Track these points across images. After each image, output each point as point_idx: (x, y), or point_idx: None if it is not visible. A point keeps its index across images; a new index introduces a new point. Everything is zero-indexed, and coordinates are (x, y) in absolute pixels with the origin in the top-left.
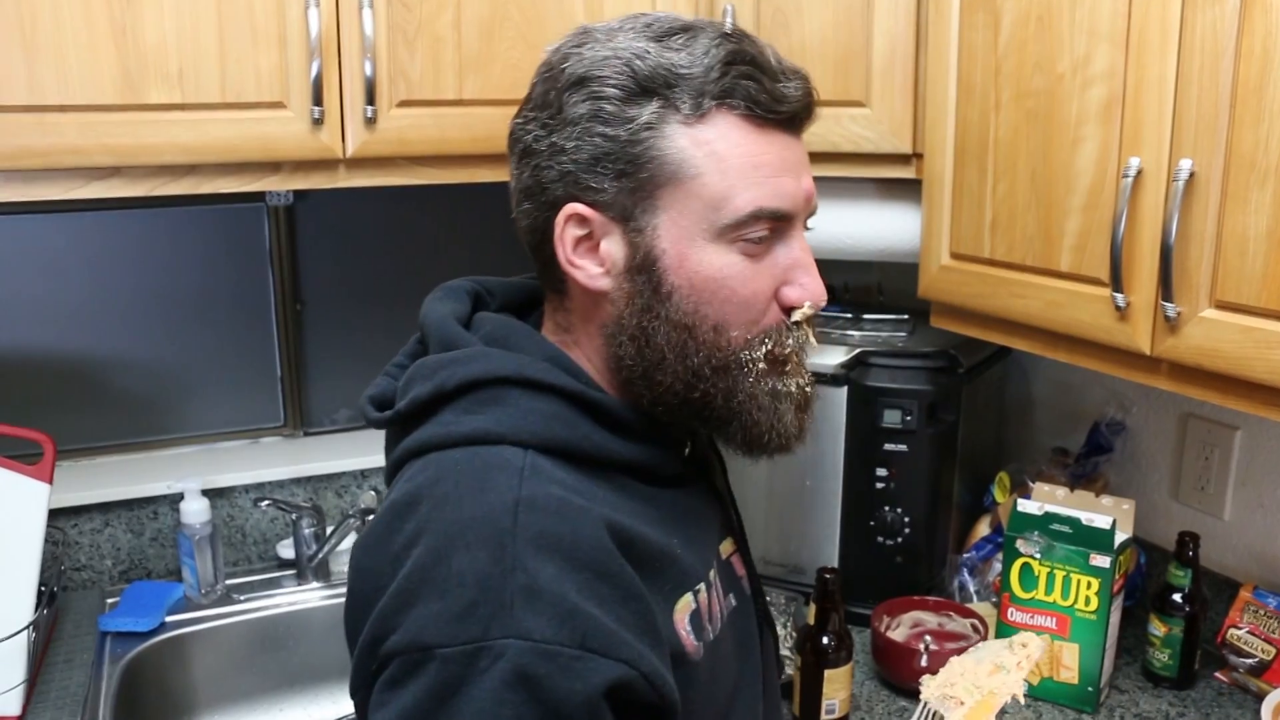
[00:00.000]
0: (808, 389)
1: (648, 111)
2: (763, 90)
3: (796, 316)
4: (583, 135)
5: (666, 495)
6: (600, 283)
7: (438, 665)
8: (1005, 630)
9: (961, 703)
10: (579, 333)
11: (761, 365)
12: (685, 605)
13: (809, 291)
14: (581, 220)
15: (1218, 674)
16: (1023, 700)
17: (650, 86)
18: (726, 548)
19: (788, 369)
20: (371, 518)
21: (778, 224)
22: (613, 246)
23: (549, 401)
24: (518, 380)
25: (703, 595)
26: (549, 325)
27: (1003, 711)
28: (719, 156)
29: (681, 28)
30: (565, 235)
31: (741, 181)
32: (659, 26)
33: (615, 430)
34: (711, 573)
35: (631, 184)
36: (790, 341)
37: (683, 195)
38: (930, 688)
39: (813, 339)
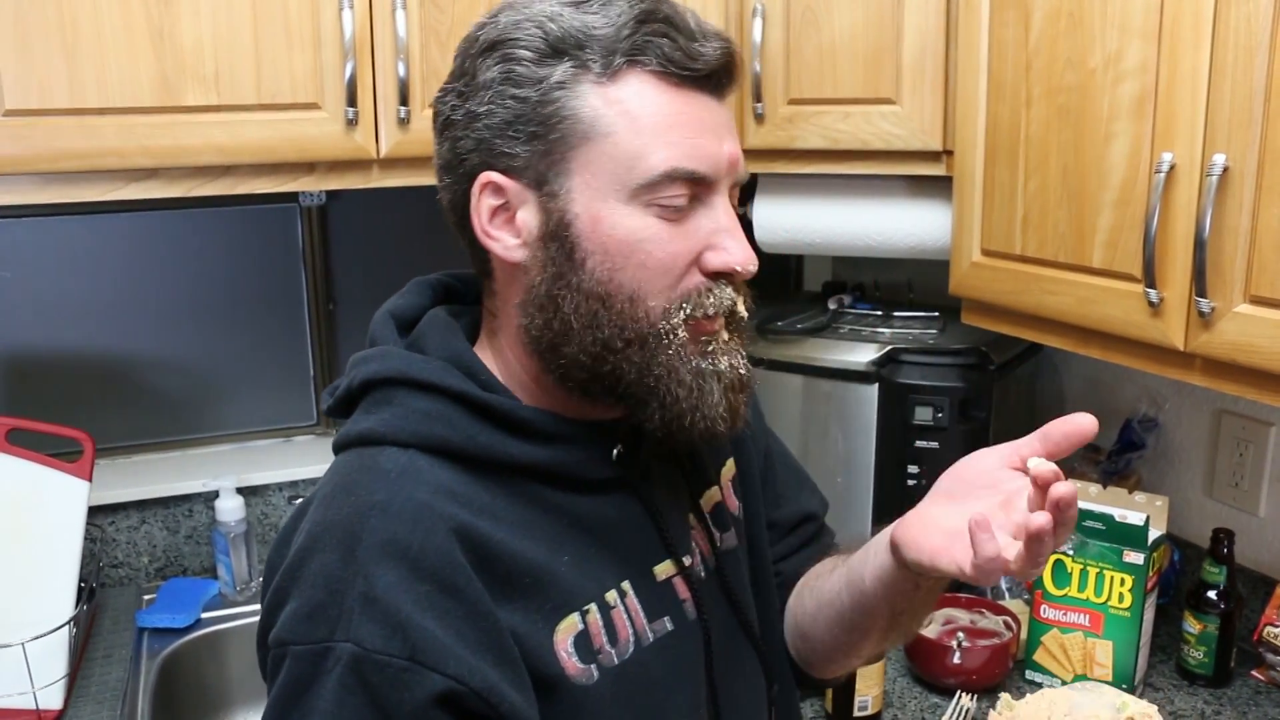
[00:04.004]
0: (742, 371)
1: (559, 71)
2: (676, 48)
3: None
4: (495, 99)
5: (581, 504)
6: (516, 254)
7: (291, 662)
8: (1038, 628)
9: None
10: (503, 317)
11: (682, 334)
12: (569, 626)
13: (734, 256)
14: (496, 189)
15: (1254, 672)
16: None
17: (561, 47)
18: (665, 569)
19: (715, 344)
20: None
21: (696, 188)
22: (528, 215)
23: (432, 401)
24: (402, 380)
25: (593, 617)
26: (484, 314)
27: None
28: (632, 115)
29: None
30: (480, 205)
31: (655, 141)
32: None
33: (513, 432)
34: (612, 594)
35: (544, 146)
36: (711, 301)
37: (595, 155)
38: (1010, 713)
39: (742, 308)
